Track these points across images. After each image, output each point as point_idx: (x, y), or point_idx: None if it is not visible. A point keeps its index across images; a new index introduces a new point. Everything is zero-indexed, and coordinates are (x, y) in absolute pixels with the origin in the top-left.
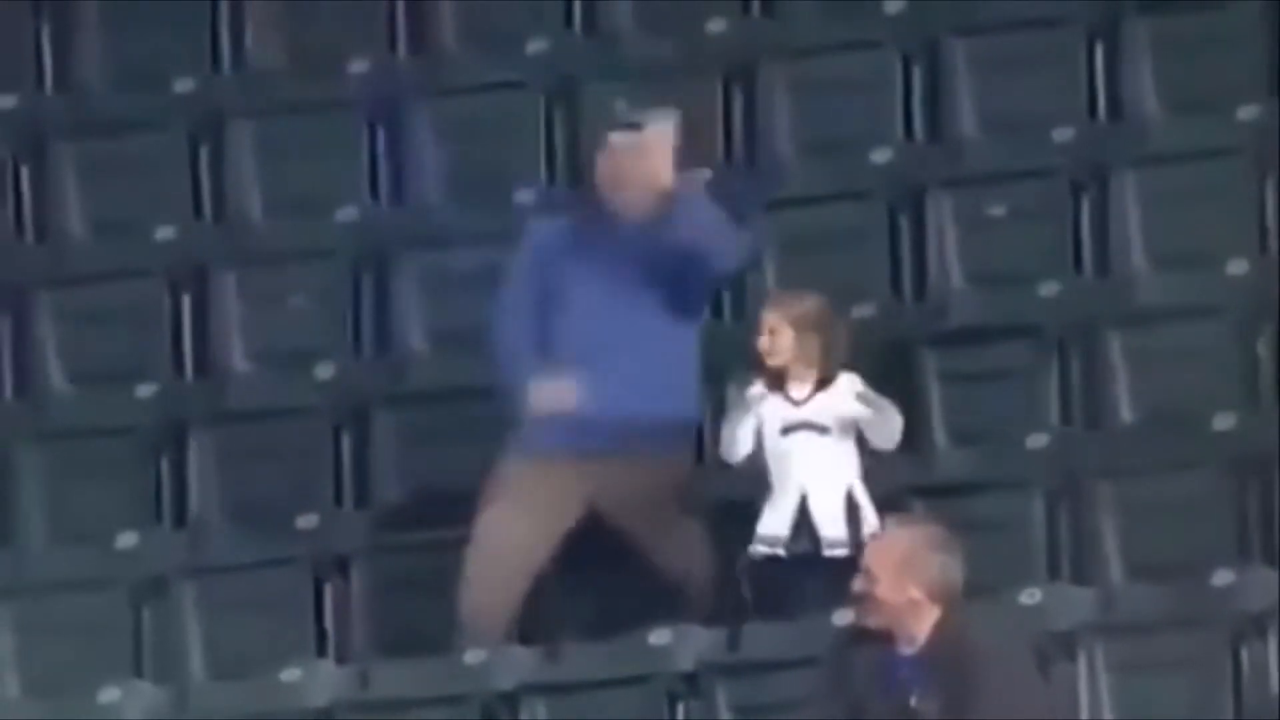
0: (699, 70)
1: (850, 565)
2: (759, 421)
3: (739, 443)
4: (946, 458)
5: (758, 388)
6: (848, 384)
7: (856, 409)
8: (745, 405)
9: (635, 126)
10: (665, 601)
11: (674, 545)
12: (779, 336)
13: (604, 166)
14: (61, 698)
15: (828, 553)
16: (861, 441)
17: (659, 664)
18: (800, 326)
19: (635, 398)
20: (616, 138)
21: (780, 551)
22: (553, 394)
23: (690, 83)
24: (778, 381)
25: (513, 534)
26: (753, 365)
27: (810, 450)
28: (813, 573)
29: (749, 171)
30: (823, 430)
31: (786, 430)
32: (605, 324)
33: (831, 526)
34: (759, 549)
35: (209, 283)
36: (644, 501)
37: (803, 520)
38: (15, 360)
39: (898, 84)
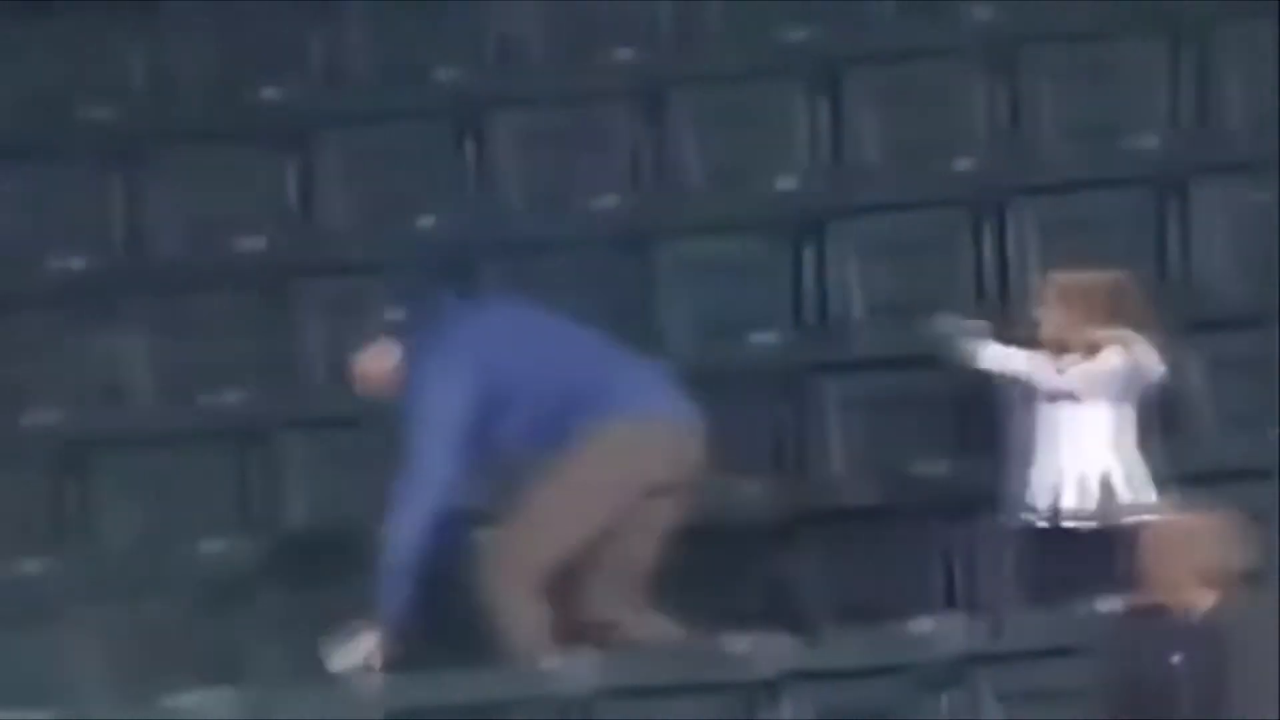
0: (781, 77)
1: (1094, 541)
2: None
3: (980, 357)
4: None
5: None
6: (1112, 352)
7: (1105, 366)
8: (960, 330)
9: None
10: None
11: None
12: (1047, 311)
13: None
14: (138, 702)
15: (1065, 523)
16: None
17: (737, 671)
18: (1069, 302)
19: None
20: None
21: (1041, 521)
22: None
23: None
24: (1052, 350)
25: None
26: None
27: (1066, 419)
28: (1061, 546)
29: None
30: (1077, 398)
31: (1053, 398)
32: None
33: (1074, 498)
34: (1024, 516)
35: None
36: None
37: (1058, 490)
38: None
39: (979, 92)
